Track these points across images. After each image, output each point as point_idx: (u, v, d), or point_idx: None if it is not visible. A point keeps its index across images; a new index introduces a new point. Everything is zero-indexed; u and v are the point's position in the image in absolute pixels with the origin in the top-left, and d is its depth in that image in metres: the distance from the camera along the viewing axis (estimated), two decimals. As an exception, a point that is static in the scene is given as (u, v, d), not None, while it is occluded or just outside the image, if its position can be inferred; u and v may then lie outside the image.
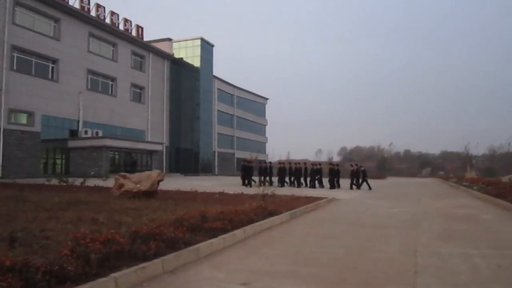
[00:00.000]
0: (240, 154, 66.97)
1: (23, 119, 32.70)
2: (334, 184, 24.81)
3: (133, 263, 4.63)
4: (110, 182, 15.08)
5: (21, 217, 7.60)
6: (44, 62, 34.66)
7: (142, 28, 46.73)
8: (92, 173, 31.69)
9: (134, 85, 45.79)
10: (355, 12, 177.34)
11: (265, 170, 26.52)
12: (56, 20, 35.64)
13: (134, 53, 45.95)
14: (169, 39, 55.31)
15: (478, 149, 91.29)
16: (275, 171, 27.39)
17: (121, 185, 12.47)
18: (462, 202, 16.07)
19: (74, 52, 37.09)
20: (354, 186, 24.68)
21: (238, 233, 7.03)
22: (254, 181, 25.48)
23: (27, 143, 32.22)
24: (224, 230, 6.79)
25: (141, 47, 47.02)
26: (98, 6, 40.17)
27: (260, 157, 68.57)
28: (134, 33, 45.48)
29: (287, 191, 17.57)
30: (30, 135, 32.61)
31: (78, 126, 37.63)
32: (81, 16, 37.84)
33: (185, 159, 52.89)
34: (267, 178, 25.54)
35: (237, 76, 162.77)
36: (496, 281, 4.76)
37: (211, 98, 59.05)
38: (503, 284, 4.68)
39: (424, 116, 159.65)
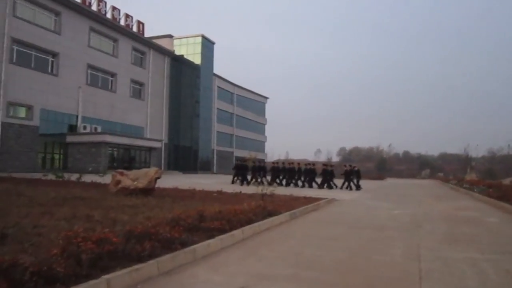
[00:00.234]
0: (239, 153, 66.78)
1: (22, 112, 32.51)
2: (327, 185, 24.68)
3: (127, 264, 4.42)
4: (107, 179, 14.89)
5: (14, 212, 7.40)
6: (44, 56, 34.46)
7: (143, 24, 46.53)
8: (90, 169, 31.49)
9: (134, 81, 45.57)
10: (356, 10, 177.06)
11: (258, 169, 26.49)
12: (57, 14, 35.42)
13: (134, 49, 45.72)
14: (170, 36, 55.08)
15: (478, 151, 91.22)
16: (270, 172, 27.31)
17: (118, 182, 12.28)
18: (463, 205, 15.89)
19: (75, 47, 36.86)
20: (346, 187, 24.57)
21: (237, 233, 6.83)
22: (247, 180, 25.65)
23: (26, 137, 32.03)
24: (222, 231, 6.59)
25: (142, 43, 46.80)
26: (99, 0, 39.97)
27: (259, 156, 68.32)
28: (135, 29, 45.26)
29: (284, 191, 17.38)
30: (29, 129, 32.42)
31: (77, 121, 37.44)
32: (82, 10, 37.61)
33: (184, 156, 52.72)
34: (260, 178, 25.68)
35: (237, 74, 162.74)
36: (506, 288, 4.58)
37: (211, 96, 58.85)
38: (513, 292, 4.50)
39: (423, 117, 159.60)
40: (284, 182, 25.79)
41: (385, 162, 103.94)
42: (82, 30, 38.14)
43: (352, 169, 25.45)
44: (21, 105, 32.29)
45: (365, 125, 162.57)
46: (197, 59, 54.01)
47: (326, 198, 14.83)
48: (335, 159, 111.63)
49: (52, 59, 35.17)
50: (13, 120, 31.36)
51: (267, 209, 9.18)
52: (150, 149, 43.65)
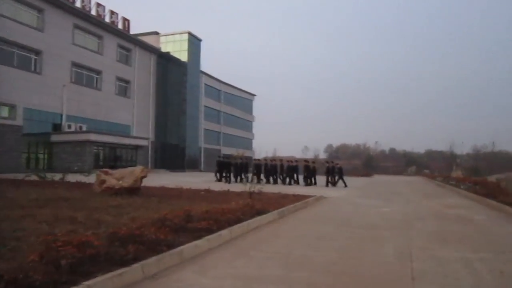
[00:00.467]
0: (226, 151, 66.40)
1: (4, 112, 31.72)
2: (309, 181, 24.65)
3: (109, 269, 4.21)
4: (93, 178, 14.56)
5: (-8, 215, 7.12)
6: (26, 54, 33.69)
7: (128, 21, 45.87)
8: (75, 168, 30.96)
9: (119, 79, 44.94)
10: (341, 10, 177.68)
11: (241, 166, 26.39)
12: (40, 11, 34.65)
13: (120, 46, 45.07)
14: (156, 33, 54.51)
15: (462, 149, 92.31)
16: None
17: (103, 181, 12.01)
18: (451, 202, 15.91)
19: (58, 44, 36.12)
20: (330, 184, 24.55)
21: (225, 233, 6.66)
22: (228, 177, 25.98)
23: (8, 136, 31.29)
24: (210, 231, 6.41)
25: (128, 40, 46.15)
26: (83, -3, 39.25)
27: (247, 153, 68.06)
28: (120, 25, 44.60)
29: (272, 188, 17.24)
30: (12, 129, 31.67)
31: (61, 120, 36.72)
32: (65, 7, 36.84)
33: (171, 155, 52.27)
34: (243, 175, 25.98)
35: (224, 72, 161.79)
36: (500, 289, 4.48)
37: (198, 93, 58.37)
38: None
39: (409, 115, 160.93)
40: (265, 179, 25.67)
41: (371, 159, 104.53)
42: (66, 27, 37.40)
43: (334, 166, 25.46)
44: (4, 104, 31.51)
45: (352, 123, 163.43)
46: (184, 56, 53.52)
47: (315, 196, 14.72)
48: (322, 156, 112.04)
49: (35, 57, 34.43)
50: (-5, 119, 30.65)
51: (255, 207, 9.02)
52: (137, 147, 43.15)
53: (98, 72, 41.69)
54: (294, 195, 14.10)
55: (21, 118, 32.52)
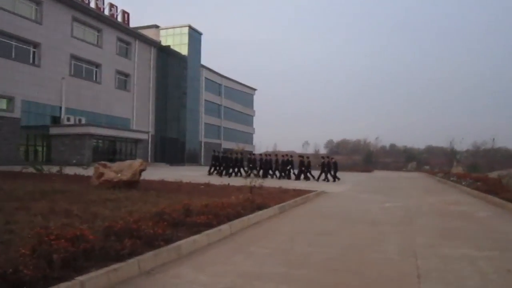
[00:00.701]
0: (227, 145, 66.35)
1: (3, 104, 31.55)
2: (304, 176, 24.55)
3: (104, 264, 4.06)
4: (91, 171, 14.40)
5: (-14, 208, 6.96)
6: (25, 46, 33.44)
7: (128, 14, 45.56)
8: (74, 161, 30.79)
9: (119, 72, 44.69)
10: (344, 5, 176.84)
11: (236, 161, 26.38)
12: (38, 3, 34.36)
13: (119, 40, 44.78)
14: (156, 26, 54.20)
15: (462, 145, 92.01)
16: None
17: (101, 175, 11.84)
18: (453, 198, 15.75)
19: (57, 37, 35.87)
20: (323, 178, 24.43)
21: (224, 228, 6.49)
22: (221, 170, 26.38)
23: (7, 129, 31.13)
24: (209, 225, 6.25)
25: (127, 34, 45.85)
26: (82, -11, 38.92)
27: (247, 148, 68.04)
28: (119, 18, 44.30)
29: (273, 183, 17.10)
30: (10, 121, 31.51)
31: (60, 112, 36.54)
32: (64, -1, 36.58)
33: (171, 148, 52.13)
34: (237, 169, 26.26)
35: (225, 66, 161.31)
36: (509, 288, 4.33)
37: (198, 87, 58.15)
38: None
39: (410, 111, 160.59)
40: (261, 174, 25.59)
41: (372, 155, 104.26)
42: (65, 20, 37.10)
43: (329, 161, 25.36)
44: (2, 97, 31.31)
45: (353, 118, 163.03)
46: (184, 50, 53.22)
47: (316, 191, 14.58)
48: (323, 151, 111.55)
49: (34, 50, 34.16)
50: (-6, 112, 30.45)
51: (256, 202, 8.87)
52: (136, 141, 42.97)
53: (98, 65, 41.44)
54: (294, 190, 13.94)
55: (19, 111, 32.34)
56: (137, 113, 46.84)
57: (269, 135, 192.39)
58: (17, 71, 32.07)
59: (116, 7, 43.76)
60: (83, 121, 37.73)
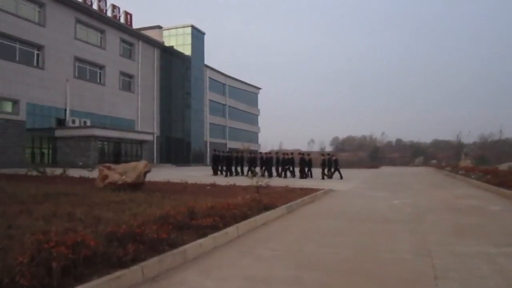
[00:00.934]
0: (232, 144, 66.23)
1: (8, 107, 31.63)
2: (304, 175, 24.33)
3: (106, 271, 3.89)
4: (96, 173, 14.28)
5: (-12, 211, 6.82)
6: (28, 49, 33.51)
7: (131, 15, 45.52)
8: (80, 163, 30.82)
9: (123, 74, 44.68)
10: (348, 1, 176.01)
11: (236, 160, 26.26)
12: (41, 5, 34.39)
13: (123, 41, 44.76)
14: (159, 27, 54.10)
15: (469, 138, 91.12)
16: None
17: (105, 177, 11.69)
18: (463, 192, 15.48)
19: (60, 39, 35.89)
20: (325, 176, 24.19)
21: (231, 230, 6.30)
22: (224, 170, 26.30)
23: (12, 131, 31.20)
24: (215, 228, 6.06)
25: (130, 35, 45.83)
26: (84, -9, 38.89)
27: (252, 147, 67.90)
28: (122, 20, 44.28)
29: (279, 182, 16.90)
30: (15, 124, 31.57)
31: (65, 115, 36.58)
32: (67, 1, 36.61)
33: (176, 149, 52.06)
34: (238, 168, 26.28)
35: (229, 65, 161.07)
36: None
37: (203, 87, 58.01)
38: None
39: (415, 105, 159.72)
40: (265, 172, 25.41)
41: (378, 151, 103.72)
42: (68, 21, 37.12)
43: (330, 158, 25.10)
44: (6, 100, 31.37)
45: (358, 115, 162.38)
46: (187, 50, 53.10)
47: (323, 189, 14.35)
48: (329, 148, 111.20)
49: (38, 52, 34.21)
50: (-1, 115, 30.47)
51: (262, 202, 8.66)
52: (142, 142, 42.91)
53: (101, 67, 41.44)
54: (301, 189, 13.72)
55: (24, 113, 32.40)
56: (141, 114, 46.82)
57: (274, 133, 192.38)
58: (22, 74, 32.10)
59: (119, 8, 43.78)
60: (88, 123, 37.73)
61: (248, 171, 25.11)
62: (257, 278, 4.27)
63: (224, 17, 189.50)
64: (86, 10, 38.93)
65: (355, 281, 4.27)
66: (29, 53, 33.49)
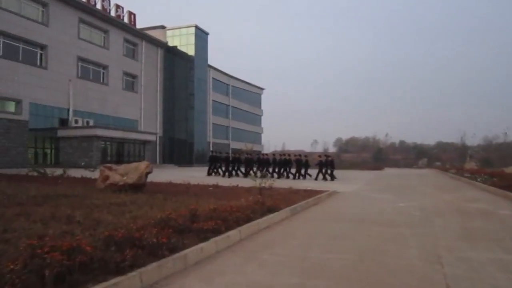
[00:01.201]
0: (235, 145, 66.09)
1: (11, 107, 31.52)
2: (300, 175, 24.24)
3: (102, 278, 3.71)
4: (98, 174, 14.11)
5: (-15, 214, 6.65)
6: (32, 49, 33.40)
7: (134, 15, 45.43)
8: (82, 163, 30.66)
9: (126, 74, 44.58)
10: (353, 2, 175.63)
11: (233, 161, 26.33)
12: (44, 5, 34.30)
13: (126, 41, 44.66)
14: (163, 27, 53.96)
15: (474, 140, 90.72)
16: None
17: (107, 178, 11.52)
18: (470, 195, 15.24)
19: (64, 39, 35.80)
20: (320, 177, 24.04)
21: (233, 234, 6.11)
22: (221, 171, 26.25)
23: (15, 131, 31.07)
24: (217, 231, 5.87)
25: (134, 35, 45.72)
26: (88, -9, 38.80)
27: (256, 148, 67.75)
28: (126, 19, 44.17)
29: (282, 183, 16.68)
30: (18, 124, 31.45)
31: (68, 115, 36.47)
32: (70, 1, 36.47)
33: (179, 149, 51.91)
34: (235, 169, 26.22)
35: (233, 66, 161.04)
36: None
37: (206, 87, 57.83)
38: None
39: (419, 106, 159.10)
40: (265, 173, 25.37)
41: (381, 152, 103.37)
42: (71, 21, 37.03)
43: (326, 160, 24.94)
44: (9, 99, 31.27)
45: (362, 116, 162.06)
46: (190, 50, 52.94)
47: (327, 191, 14.14)
48: (332, 149, 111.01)
49: (41, 52, 34.12)
50: (1, 114, 30.29)
51: (266, 204, 8.47)
52: (144, 142, 42.78)
53: (105, 67, 41.35)
54: (305, 191, 13.50)
55: (27, 113, 32.28)
56: (144, 114, 46.71)
57: (277, 134, 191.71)
58: (25, 74, 32.03)
59: (122, 8, 43.67)
60: (91, 123, 37.62)
61: (245, 172, 25.13)
62: (261, 285, 4.09)
63: (227, 17, 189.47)
64: (89, 10, 38.85)
65: (364, 290, 4.07)
66: (32, 53, 33.40)
